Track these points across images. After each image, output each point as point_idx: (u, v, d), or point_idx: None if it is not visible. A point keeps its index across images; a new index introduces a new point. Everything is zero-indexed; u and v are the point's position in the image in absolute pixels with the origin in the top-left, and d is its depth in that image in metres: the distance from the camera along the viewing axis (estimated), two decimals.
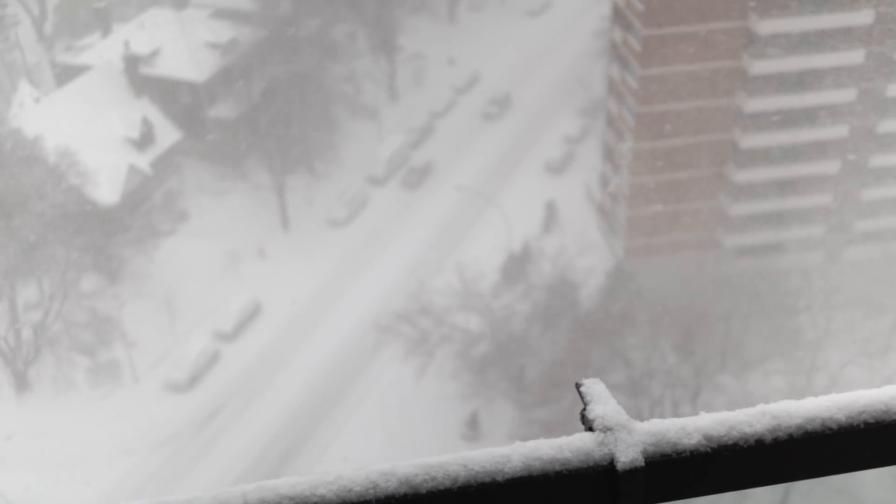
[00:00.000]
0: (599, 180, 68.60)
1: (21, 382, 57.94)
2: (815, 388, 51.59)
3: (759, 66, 56.47)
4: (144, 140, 68.16)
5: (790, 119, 58.68)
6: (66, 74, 74.39)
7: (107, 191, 63.71)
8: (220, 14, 76.90)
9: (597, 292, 57.52)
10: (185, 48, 73.01)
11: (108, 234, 61.88)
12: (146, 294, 61.21)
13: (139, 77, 70.61)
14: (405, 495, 1.95)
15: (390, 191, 73.60)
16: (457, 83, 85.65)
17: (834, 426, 2.14)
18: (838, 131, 59.18)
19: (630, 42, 58.16)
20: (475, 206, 70.69)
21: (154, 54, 72.41)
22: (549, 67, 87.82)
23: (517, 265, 62.19)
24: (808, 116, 58.63)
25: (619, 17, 60.29)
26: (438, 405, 54.94)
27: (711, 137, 59.25)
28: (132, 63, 70.18)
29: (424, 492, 1.96)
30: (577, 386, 2.24)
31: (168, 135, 70.62)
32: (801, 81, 57.34)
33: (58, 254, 58.54)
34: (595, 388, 2.22)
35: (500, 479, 1.99)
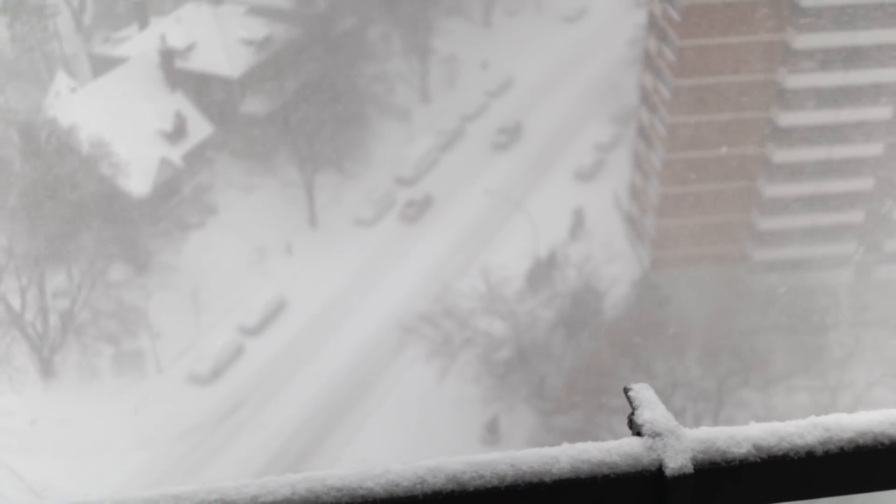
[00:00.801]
0: (629, 189, 68.32)
1: (47, 369, 58.58)
2: (840, 406, 51.02)
3: (795, 81, 55.98)
4: (177, 133, 68.73)
5: (824, 135, 58.12)
6: (102, 66, 75.20)
7: (138, 182, 64.30)
8: (256, 11, 77.42)
9: (622, 301, 57.25)
10: (221, 44, 73.58)
11: (137, 226, 62.43)
12: (173, 286, 61.69)
13: (174, 71, 71.23)
14: (452, 492, 1.95)
15: (418, 191, 73.69)
16: (489, 87, 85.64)
17: (886, 441, 2.10)
18: (873, 149, 58.54)
19: (664, 52, 57.87)
20: (503, 211, 70.63)
21: (190, 49, 73.02)
22: (582, 74, 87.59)
23: (543, 271, 62.03)
24: (843, 133, 58.04)
25: (654, 26, 60.02)
26: (459, 408, 54.90)
27: (743, 150, 58.80)
28: (168, 57, 70.81)
29: (472, 489, 1.95)
30: (626, 390, 2.22)
31: (200, 129, 71.17)
32: (836, 97, 56.78)
33: (87, 243, 59.14)
34: (644, 392, 2.20)
35: (547, 479, 1.98)
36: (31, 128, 61.56)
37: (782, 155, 58.40)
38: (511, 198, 70.72)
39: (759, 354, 51.10)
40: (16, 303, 57.93)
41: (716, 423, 48.05)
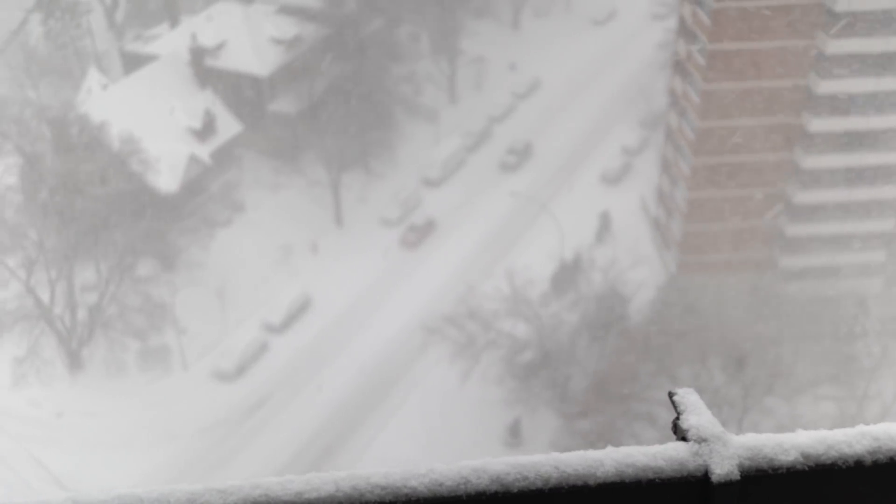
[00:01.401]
0: (656, 193, 67.97)
1: (74, 362, 59.17)
2: (867, 417, 50.46)
3: (827, 86, 55.45)
4: (206, 131, 69.22)
5: (855, 141, 57.52)
6: (133, 63, 75.89)
7: (167, 179, 64.80)
8: (286, 10, 77.81)
9: (647, 306, 56.96)
10: (250, 42, 74.01)
11: (165, 222, 62.91)
12: (199, 282, 62.11)
13: (204, 69, 71.74)
14: (496, 493, 1.94)
15: (445, 193, 73.75)
16: (517, 89, 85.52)
17: None
18: None
19: (694, 56, 57.53)
20: (529, 214, 70.50)
21: (219, 47, 73.52)
22: (610, 77, 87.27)
23: (568, 274, 61.84)
24: (874, 139, 57.42)
25: (684, 30, 59.69)
26: (481, 410, 54.86)
27: (773, 156, 58.34)
28: (198, 55, 71.33)
29: (516, 490, 1.95)
30: (671, 395, 2.21)
31: (229, 127, 71.63)
32: (868, 104, 56.18)
33: (116, 238, 59.68)
34: (689, 398, 2.18)
35: (591, 483, 1.98)
36: (62, 123, 62.21)
37: (812, 161, 57.87)
38: (537, 200, 70.58)
39: (785, 362, 50.64)
40: (45, 296, 58.58)
41: (740, 430, 47.68)
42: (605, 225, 68.10)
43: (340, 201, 70.79)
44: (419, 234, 68.78)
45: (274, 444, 54.10)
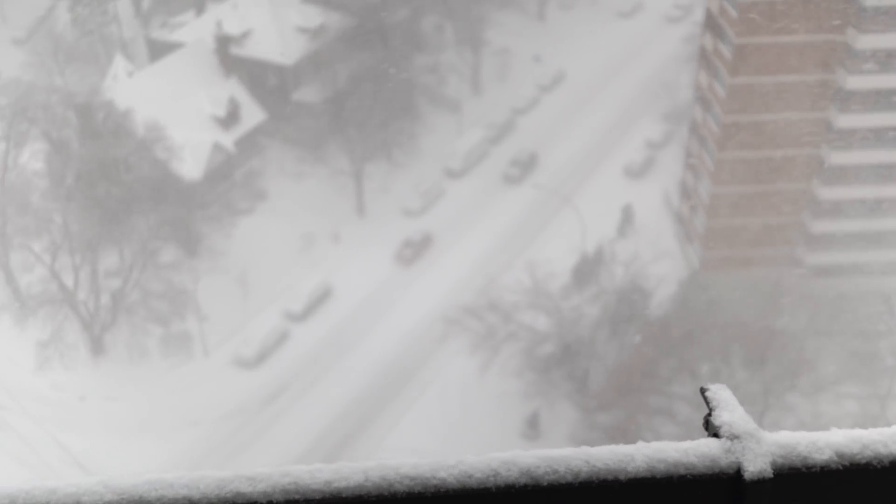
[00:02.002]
0: (679, 187, 67.58)
1: (97, 347, 59.72)
2: (890, 416, 50.04)
3: (854, 82, 54.85)
4: (230, 119, 69.49)
5: (882, 138, 56.90)
6: (159, 50, 76.27)
7: (191, 166, 65.15)
8: None
9: (668, 301, 56.71)
10: (276, 31, 74.16)
11: (188, 209, 63.28)
12: (221, 270, 62.46)
13: (229, 57, 71.99)
14: (525, 486, 1.93)
15: (467, 184, 73.69)
16: (541, 81, 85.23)
17: None
18: None
19: (721, 49, 57.07)
20: (551, 206, 70.32)
21: (245, 35, 73.72)
22: (635, 70, 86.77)
23: (589, 268, 61.67)
24: None
25: (711, 23, 59.21)
26: (500, 402, 54.88)
27: (798, 152, 57.82)
28: (223, 43, 71.57)
29: (545, 484, 1.94)
30: (702, 391, 2.19)
31: (253, 115, 71.88)
32: None
33: (140, 225, 60.11)
34: (721, 393, 2.17)
35: (622, 477, 1.96)
36: (88, 109, 62.66)
37: (838, 157, 57.31)
38: (560, 192, 70.37)
39: (808, 360, 50.29)
40: (69, 281, 59.12)
41: (760, 426, 47.28)
42: (627, 218, 67.82)
43: (363, 191, 70.91)
44: (415, 251, 66.48)
45: (293, 432, 54.39)
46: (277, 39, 73.88)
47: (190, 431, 54.88)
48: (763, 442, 2.02)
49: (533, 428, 53.64)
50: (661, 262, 59.02)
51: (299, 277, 64.12)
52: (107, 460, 52.31)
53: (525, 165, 75.06)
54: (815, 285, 58.75)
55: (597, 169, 74.91)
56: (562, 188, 71.40)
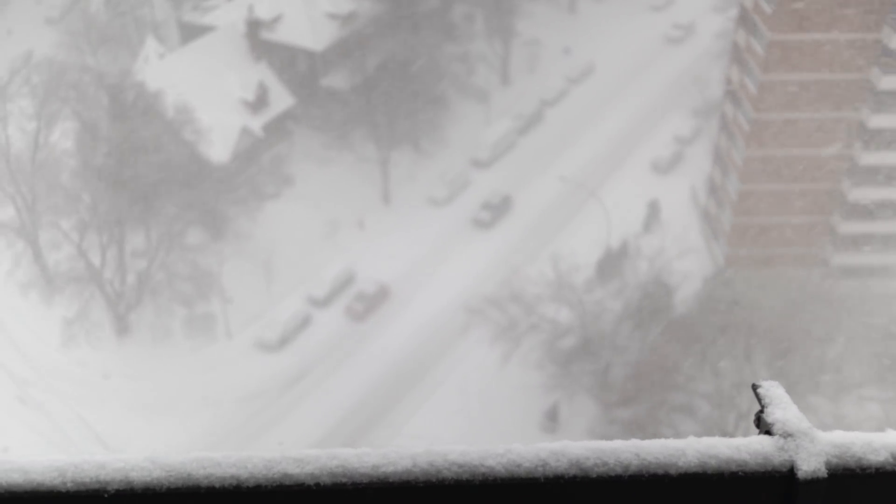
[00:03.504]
0: (707, 184, 67.09)
1: (122, 326, 60.30)
2: None
3: (889, 82, 54.16)
4: (259, 103, 69.73)
5: None
6: (190, 33, 76.63)
7: (219, 150, 65.48)
8: None
9: (692, 297, 56.38)
10: (306, 16, 74.25)
11: (215, 192, 63.62)
12: (246, 253, 62.81)
13: (259, 41, 72.19)
14: (574, 477, 1.92)
15: (493, 174, 73.57)
16: (571, 73, 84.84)
17: None
18: None
19: (753, 45, 56.52)
20: (577, 199, 70.07)
21: (275, 20, 73.88)
22: (666, 64, 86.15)
23: (613, 262, 61.43)
24: None
25: (744, 18, 58.64)
26: (520, 393, 54.88)
27: (829, 151, 57.22)
28: (254, 27, 71.77)
29: (594, 476, 1.93)
30: (754, 387, 2.17)
31: (281, 100, 72.08)
32: None
33: (167, 206, 60.53)
34: (774, 391, 2.13)
35: (672, 472, 1.94)
36: (119, 90, 63.11)
37: (869, 158, 56.66)
38: (586, 186, 70.10)
39: (831, 361, 49.86)
40: (96, 260, 59.69)
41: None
42: (653, 213, 67.45)
43: (388, 178, 70.98)
44: (367, 305, 61.18)
45: (313, 416, 54.69)
46: (308, 25, 73.98)
47: (211, 412, 55.34)
48: (817, 441, 1.99)
49: (552, 420, 53.61)
50: (685, 259, 58.68)
51: (323, 263, 64.36)
52: (128, 438, 52.88)
53: (555, 156, 74.76)
54: (842, 286, 58.17)
55: (624, 163, 74.53)
56: (588, 181, 71.12)
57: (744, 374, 46.84)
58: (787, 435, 2.00)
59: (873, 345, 52.69)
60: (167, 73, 67.06)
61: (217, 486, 1.90)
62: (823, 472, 1.94)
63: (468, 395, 55.17)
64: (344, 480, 1.89)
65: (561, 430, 53.16)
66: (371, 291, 62.24)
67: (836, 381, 49.07)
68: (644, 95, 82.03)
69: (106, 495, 1.89)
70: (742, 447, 1.98)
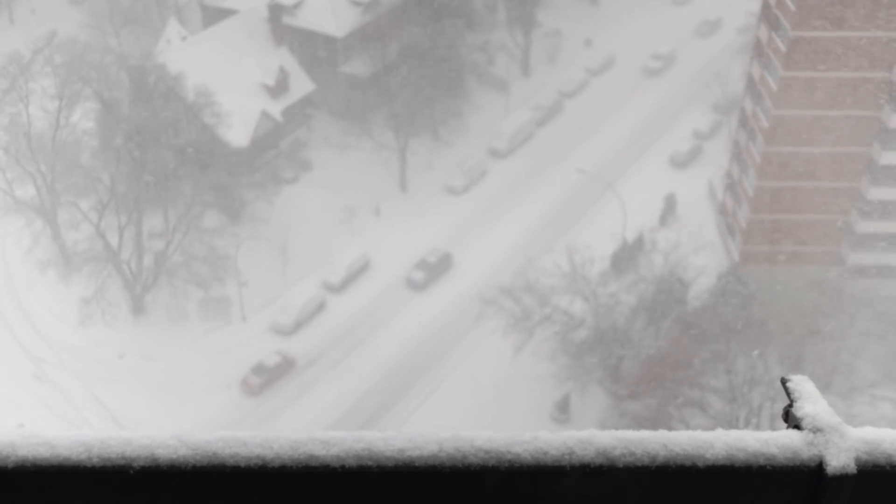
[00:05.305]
0: (724, 179, 66.88)
1: (138, 306, 60.75)
2: None
3: None
4: (279, 88, 69.91)
5: None
6: (212, 16, 76.80)
7: (238, 133, 65.73)
8: None
9: (707, 293, 56.30)
10: (328, 3, 74.30)
11: (233, 176, 63.91)
12: (263, 237, 63.10)
13: (281, 26, 72.32)
14: (601, 466, 1.92)
15: (511, 164, 73.55)
16: (591, 65, 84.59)
17: None
18: None
19: (775, 42, 56.23)
20: (593, 191, 69.98)
21: (297, 5, 73.96)
22: (687, 59, 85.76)
23: (628, 255, 61.40)
24: None
25: (767, 14, 58.32)
26: (531, 384, 55.03)
27: (848, 149, 56.93)
28: (276, 12, 71.89)
29: (621, 465, 1.92)
30: (783, 381, 2.15)
31: (302, 85, 72.22)
32: None
33: (185, 189, 60.84)
34: (803, 385, 2.11)
35: (700, 464, 1.93)
36: (141, 72, 63.39)
37: (889, 157, 56.34)
38: (603, 178, 70.00)
39: (845, 360, 49.74)
40: (114, 240, 60.11)
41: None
42: (669, 208, 67.31)
43: (406, 166, 71.07)
44: (266, 379, 55.50)
45: (324, 401, 55.00)
46: (330, 11, 74.04)
47: (224, 394, 55.74)
48: (847, 437, 1.96)
49: (563, 412, 53.75)
50: (701, 254, 58.59)
51: (339, 249, 64.58)
52: (141, 417, 53.36)
53: (572, 148, 74.67)
54: (857, 285, 57.98)
55: (642, 156, 74.35)
56: (605, 174, 71.01)
57: (757, 370, 46.83)
58: (816, 430, 1.98)
59: (887, 344, 52.55)
60: (189, 55, 67.28)
61: (242, 465, 1.90)
62: (853, 468, 1.93)
63: (480, 384, 55.35)
64: (370, 463, 1.90)
65: (571, 422, 53.30)
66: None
67: (848, 380, 48.97)
68: (664, 89, 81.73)
69: (131, 471, 1.90)
70: (771, 441, 1.97)
